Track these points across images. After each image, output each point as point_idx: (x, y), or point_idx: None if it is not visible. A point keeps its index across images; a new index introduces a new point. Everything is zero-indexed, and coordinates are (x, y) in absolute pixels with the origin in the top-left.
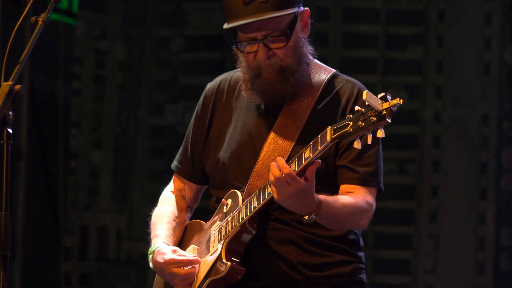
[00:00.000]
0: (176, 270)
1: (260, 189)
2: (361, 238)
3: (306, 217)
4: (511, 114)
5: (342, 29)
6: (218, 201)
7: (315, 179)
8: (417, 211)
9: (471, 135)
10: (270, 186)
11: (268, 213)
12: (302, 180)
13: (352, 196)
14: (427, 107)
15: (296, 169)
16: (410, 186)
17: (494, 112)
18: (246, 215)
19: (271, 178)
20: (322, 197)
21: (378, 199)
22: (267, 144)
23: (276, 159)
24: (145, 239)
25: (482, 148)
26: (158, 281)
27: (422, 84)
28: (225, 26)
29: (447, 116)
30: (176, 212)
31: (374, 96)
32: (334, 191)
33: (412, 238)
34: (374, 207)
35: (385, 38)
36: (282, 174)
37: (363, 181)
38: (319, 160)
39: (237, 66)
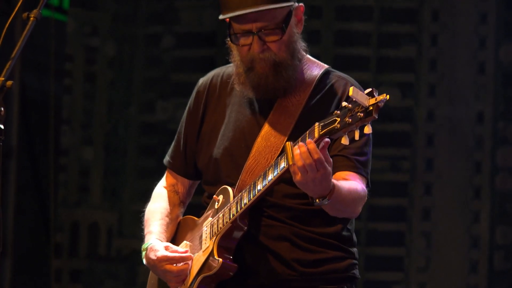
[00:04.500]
0: (168, 267)
1: (251, 185)
2: (354, 234)
3: (318, 200)
4: (506, 113)
5: (335, 27)
6: (211, 196)
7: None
8: (410, 208)
9: (465, 134)
10: (264, 177)
11: (261, 210)
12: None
13: (353, 183)
14: (420, 105)
15: (285, 166)
16: (403, 183)
17: (489, 111)
18: (237, 211)
19: (300, 163)
20: (334, 181)
21: (370, 195)
22: (258, 140)
23: (307, 143)
24: (136, 236)
25: (476, 147)
26: (152, 277)
27: (415, 82)
28: (221, 16)
29: (440, 115)
30: (169, 208)
31: (361, 92)
32: None
33: (404, 235)
34: (366, 195)
35: (378, 36)
36: (313, 159)
37: (356, 169)
38: (328, 140)
39: (230, 60)
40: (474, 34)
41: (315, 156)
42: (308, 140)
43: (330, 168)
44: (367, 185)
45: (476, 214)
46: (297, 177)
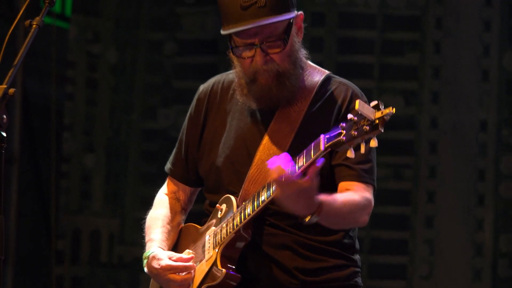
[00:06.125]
0: (172, 276)
1: (254, 196)
2: (356, 241)
3: (307, 219)
4: (509, 120)
5: (338, 34)
6: (212, 204)
7: (318, 180)
8: (413, 216)
9: (468, 141)
10: (268, 187)
11: (263, 219)
12: (304, 181)
13: (351, 194)
14: (424, 112)
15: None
16: (406, 191)
17: (492, 118)
18: (240, 221)
19: (270, 178)
20: (322, 197)
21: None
22: (261, 148)
23: (273, 161)
24: (138, 243)
25: (480, 154)
26: (153, 285)
27: (419, 90)
28: (223, 32)
29: (444, 122)
30: (170, 215)
31: (367, 105)
32: (333, 191)
33: (407, 243)
34: (372, 203)
35: (381, 44)
36: (284, 176)
37: (360, 178)
38: (320, 162)
39: (232, 68)
40: (478, 41)
41: (279, 173)
42: (275, 157)
43: (307, 185)
44: (374, 191)
45: (479, 222)
46: (275, 194)
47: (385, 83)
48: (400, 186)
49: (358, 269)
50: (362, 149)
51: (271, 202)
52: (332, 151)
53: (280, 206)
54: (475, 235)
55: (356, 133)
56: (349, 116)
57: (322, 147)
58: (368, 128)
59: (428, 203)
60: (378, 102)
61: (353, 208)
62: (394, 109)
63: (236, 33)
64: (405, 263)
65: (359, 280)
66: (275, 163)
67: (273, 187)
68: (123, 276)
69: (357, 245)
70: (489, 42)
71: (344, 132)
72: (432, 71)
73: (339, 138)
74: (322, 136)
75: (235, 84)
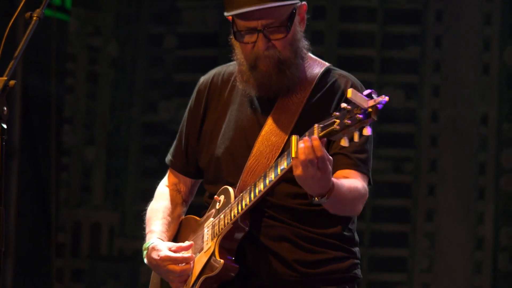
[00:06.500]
0: (171, 267)
1: (251, 186)
2: (356, 233)
3: (317, 199)
4: (510, 114)
5: (339, 27)
6: (212, 196)
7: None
8: (413, 209)
9: (469, 135)
10: (265, 177)
11: (262, 211)
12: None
13: (354, 181)
14: (424, 106)
15: (285, 167)
16: (407, 184)
17: (493, 112)
18: (238, 212)
19: (302, 157)
20: (334, 180)
21: (373, 196)
22: (259, 139)
23: (312, 139)
24: (138, 236)
25: (481, 148)
26: (154, 277)
27: (419, 84)
28: (226, 14)
29: (444, 116)
30: (170, 207)
31: (360, 94)
32: None
33: (408, 236)
34: (367, 193)
35: (382, 37)
36: (316, 156)
37: (356, 167)
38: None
39: (232, 59)
40: (479, 35)
41: (318, 153)
42: (313, 136)
43: (330, 167)
44: (369, 183)
45: (480, 216)
46: (298, 171)
47: (386, 77)
48: (400, 179)
49: (358, 261)
50: (356, 138)
51: (268, 194)
52: (329, 142)
53: (297, 180)
54: (476, 229)
55: (349, 121)
56: (343, 105)
57: (316, 136)
58: (361, 116)
59: (429, 196)
60: (371, 90)
61: (356, 195)
62: (387, 98)
63: (239, 17)
64: (405, 257)
65: (358, 272)
66: (307, 143)
67: (282, 166)
68: (123, 269)
69: (357, 238)
70: (489, 36)
71: (338, 121)
72: (433, 65)
73: (333, 127)
74: (316, 125)
75: (235, 72)
